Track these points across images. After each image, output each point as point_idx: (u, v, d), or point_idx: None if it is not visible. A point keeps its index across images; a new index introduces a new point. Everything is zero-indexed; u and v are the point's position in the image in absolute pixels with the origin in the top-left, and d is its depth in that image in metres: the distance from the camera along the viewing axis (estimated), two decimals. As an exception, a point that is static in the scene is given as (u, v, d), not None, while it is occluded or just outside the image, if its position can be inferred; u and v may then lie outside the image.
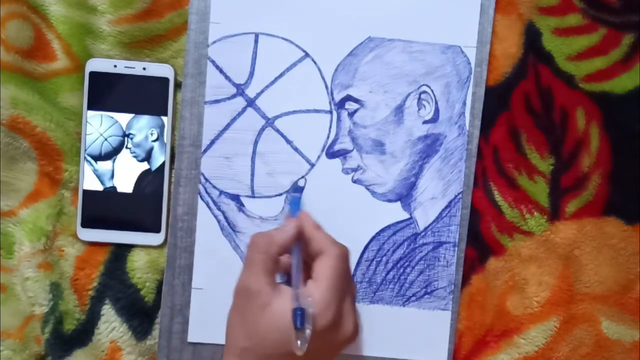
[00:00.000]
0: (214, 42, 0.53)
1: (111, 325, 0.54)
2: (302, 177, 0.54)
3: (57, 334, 0.53)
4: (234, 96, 0.54)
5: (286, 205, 0.54)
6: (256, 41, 0.54)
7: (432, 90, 0.54)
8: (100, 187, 0.54)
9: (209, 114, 0.54)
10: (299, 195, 0.53)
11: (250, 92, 0.54)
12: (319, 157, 0.54)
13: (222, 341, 0.53)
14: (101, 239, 0.54)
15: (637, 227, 0.55)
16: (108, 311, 0.54)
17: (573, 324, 0.54)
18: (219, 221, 0.54)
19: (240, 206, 0.54)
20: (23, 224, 0.53)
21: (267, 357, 0.44)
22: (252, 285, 0.44)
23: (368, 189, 0.54)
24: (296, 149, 0.54)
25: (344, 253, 0.46)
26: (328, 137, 0.54)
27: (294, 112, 0.54)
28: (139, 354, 0.54)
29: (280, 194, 0.54)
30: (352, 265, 0.54)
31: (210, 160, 0.54)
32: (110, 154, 0.54)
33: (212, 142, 0.54)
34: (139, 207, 0.54)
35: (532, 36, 0.54)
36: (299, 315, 0.42)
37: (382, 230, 0.54)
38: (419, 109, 0.54)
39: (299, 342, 0.41)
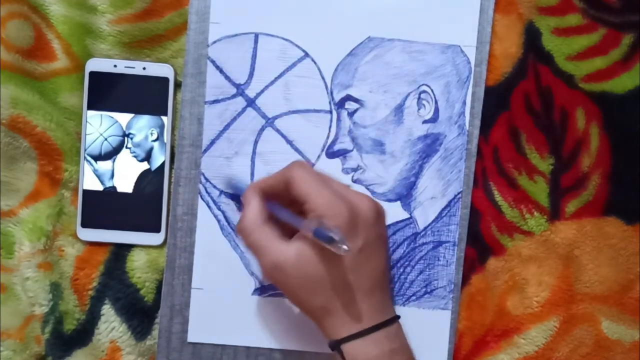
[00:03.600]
0: (214, 42, 0.53)
1: (111, 325, 0.54)
2: (302, 177, 0.54)
3: (57, 334, 0.53)
4: (234, 96, 0.54)
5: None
6: (256, 41, 0.54)
7: (431, 90, 0.54)
8: (100, 187, 0.54)
9: (209, 114, 0.54)
10: (234, 181, 0.54)
11: (250, 92, 0.54)
12: (319, 157, 0.54)
13: (222, 341, 0.54)
14: (101, 238, 0.54)
15: (637, 227, 0.55)
16: (108, 311, 0.54)
17: (573, 324, 0.54)
18: (219, 221, 0.54)
19: (241, 206, 0.54)
20: (23, 224, 0.53)
21: (343, 288, 0.45)
22: (274, 258, 0.45)
23: (368, 189, 0.54)
24: (296, 149, 0.54)
25: (300, 163, 0.49)
26: (328, 137, 0.54)
27: (294, 112, 0.54)
28: (138, 354, 0.54)
29: (280, 194, 0.54)
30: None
31: (210, 160, 0.54)
32: (110, 154, 0.54)
33: (212, 142, 0.54)
34: (139, 207, 0.54)
35: (532, 36, 0.54)
36: (320, 231, 0.43)
37: (382, 230, 0.54)
38: (419, 109, 0.54)
39: (344, 247, 0.42)
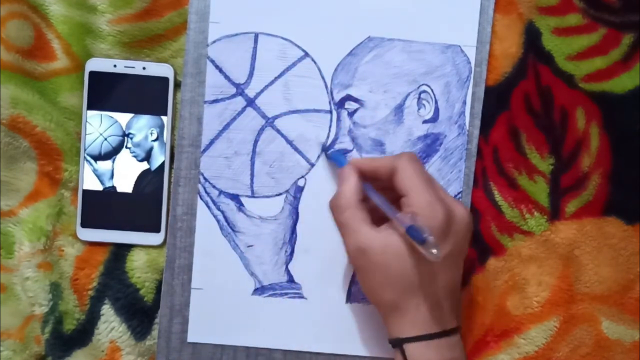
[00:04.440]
0: (214, 41, 0.53)
1: (110, 325, 0.54)
2: (302, 177, 0.54)
3: (57, 334, 0.53)
4: (233, 96, 0.54)
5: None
6: (256, 41, 0.54)
7: (432, 90, 0.54)
8: (100, 187, 0.54)
9: (209, 114, 0.54)
10: (335, 150, 0.53)
11: (250, 91, 0.54)
12: (319, 157, 0.54)
13: (221, 341, 0.54)
14: (101, 238, 0.54)
15: (637, 227, 0.55)
16: (107, 311, 0.54)
17: (573, 324, 0.54)
18: (218, 221, 0.54)
19: (240, 206, 0.54)
20: (23, 224, 0.53)
21: (418, 289, 0.45)
22: (361, 241, 0.46)
23: (368, 189, 0.54)
24: (296, 149, 0.54)
25: (411, 156, 0.47)
26: (328, 136, 0.54)
27: (294, 111, 0.54)
28: (138, 354, 0.54)
29: (280, 194, 0.54)
30: (352, 266, 0.54)
31: (209, 160, 0.54)
32: (110, 154, 0.54)
33: (212, 142, 0.54)
34: (139, 207, 0.54)
35: (532, 36, 0.54)
36: (414, 230, 0.43)
37: (382, 230, 0.54)
38: (419, 109, 0.54)
39: (433, 250, 0.42)
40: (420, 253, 0.43)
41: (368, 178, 0.49)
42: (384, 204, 0.46)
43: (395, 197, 0.47)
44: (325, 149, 0.54)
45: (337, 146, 0.54)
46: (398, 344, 0.46)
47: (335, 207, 0.48)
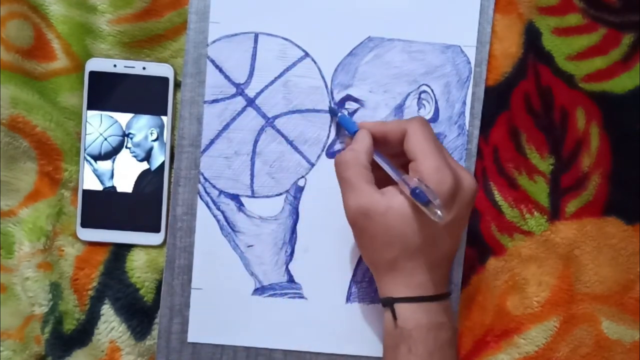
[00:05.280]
0: (214, 41, 0.53)
1: (110, 325, 0.54)
2: (302, 177, 0.54)
3: (57, 334, 0.53)
4: (233, 96, 0.54)
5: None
6: (256, 41, 0.54)
7: (431, 90, 0.54)
8: (100, 187, 0.54)
9: (209, 114, 0.54)
10: (344, 112, 0.53)
11: (250, 91, 0.54)
12: (319, 157, 0.54)
13: (221, 341, 0.54)
14: (101, 238, 0.54)
15: (637, 227, 0.55)
16: (107, 311, 0.54)
17: (573, 324, 0.54)
18: (218, 221, 0.54)
19: (240, 206, 0.54)
20: (23, 224, 0.53)
21: (416, 252, 0.46)
22: (364, 202, 0.46)
23: (368, 189, 0.54)
24: (296, 149, 0.54)
25: (422, 120, 0.47)
26: (328, 136, 0.54)
27: (294, 112, 0.54)
28: (138, 354, 0.54)
29: (280, 194, 0.54)
30: (352, 265, 0.54)
31: (209, 160, 0.54)
32: (110, 154, 0.54)
33: (212, 142, 0.54)
34: (139, 207, 0.54)
35: (532, 36, 0.54)
36: (419, 192, 0.43)
37: (382, 229, 0.54)
38: (419, 109, 0.54)
39: (437, 212, 0.42)
40: (424, 216, 0.43)
41: (378, 142, 0.49)
42: (391, 166, 0.47)
43: (404, 164, 0.47)
44: (334, 112, 0.53)
45: (338, 146, 0.54)
46: (389, 303, 0.46)
47: (342, 162, 0.47)
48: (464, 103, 0.54)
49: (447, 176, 0.44)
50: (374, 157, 0.48)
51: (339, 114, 0.53)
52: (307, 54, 0.54)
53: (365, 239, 0.47)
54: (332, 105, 0.54)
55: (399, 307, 0.46)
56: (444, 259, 0.47)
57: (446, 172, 0.44)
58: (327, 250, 0.54)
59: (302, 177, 0.54)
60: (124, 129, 0.54)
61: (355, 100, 0.54)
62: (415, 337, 0.45)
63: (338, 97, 0.54)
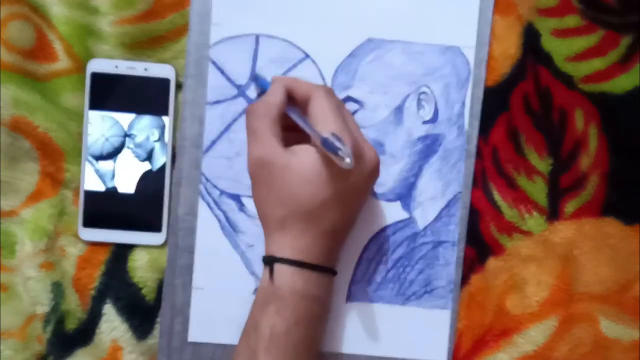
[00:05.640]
0: (215, 43, 0.54)
1: (112, 325, 0.54)
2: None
3: (59, 334, 0.53)
4: (234, 97, 0.54)
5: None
6: (257, 42, 0.54)
7: (431, 91, 0.54)
8: (101, 187, 0.54)
9: (210, 115, 0.54)
10: (261, 78, 0.53)
11: (251, 93, 0.54)
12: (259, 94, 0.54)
13: (222, 340, 0.54)
14: (102, 238, 0.54)
15: (635, 227, 0.55)
16: (109, 310, 0.54)
17: (572, 324, 0.55)
18: (219, 221, 0.54)
19: (241, 206, 0.54)
20: (25, 224, 0.53)
21: (308, 215, 0.45)
22: (266, 153, 0.45)
23: (368, 189, 0.54)
24: (296, 150, 0.54)
25: (329, 89, 0.48)
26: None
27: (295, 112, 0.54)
28: (139, 354, 0.54)
29: (281, 194, 0.54)
30: (352, 265, 0.54)
31: (211, 160, 0.54)
32: (112, 154, 0.54)
33: (213, 143, 0.54)
34: (140, 207, 0.54)
35: (531, 37, 0.55)
36: (331, 140, 0.43)
37: (382, 229, 0.54)
38: (419, 110, 0.54)
39: (346, 160, 0.42)
40: (320, 182, 0.44)
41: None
42: (302, 118, 0.46)
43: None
44: (254, 78, 0.53)
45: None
46: (270, 262, 0.46)
47: (252, 112, 0.47)
48: (464, 104, 0.54)
49: (349, 142, 0.44)
50: (287, 111, 0.48)
51: (260, 80, 0.52)
52: (307, 56, 0.54)
53: (261, 191, 0.47)
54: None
55: (279, 268, 0.46)
56: (335, 230, 0.47)
57: (349, 139, 0.44)
58: (328, 250, 0.54)
59: (303, 177, 0.54)
60: (126, 129, 0.54)
61: (356, 101, 0.54)
62: (287, 300, 0.45)
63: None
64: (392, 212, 0.54)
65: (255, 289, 0.54)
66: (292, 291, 0.45)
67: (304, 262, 0.46)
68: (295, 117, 0.47)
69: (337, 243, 0.49)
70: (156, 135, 0.54)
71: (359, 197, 0.48)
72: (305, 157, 0.45)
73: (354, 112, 0.54)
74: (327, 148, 0.43)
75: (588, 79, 0.55)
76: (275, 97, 0.48)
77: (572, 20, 0.55)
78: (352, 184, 0.46)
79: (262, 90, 0.53)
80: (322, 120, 0.45)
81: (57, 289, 0.53)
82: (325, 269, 0.47)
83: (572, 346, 0.54)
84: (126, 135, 0.54)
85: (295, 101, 0.49)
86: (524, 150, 0.55)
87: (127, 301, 0.54)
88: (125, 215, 0.54)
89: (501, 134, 0.55)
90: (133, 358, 0.54)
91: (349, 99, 0.54)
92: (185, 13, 0.54)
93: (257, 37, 0.54)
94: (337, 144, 0.43)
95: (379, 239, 0.54)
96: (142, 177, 0.54)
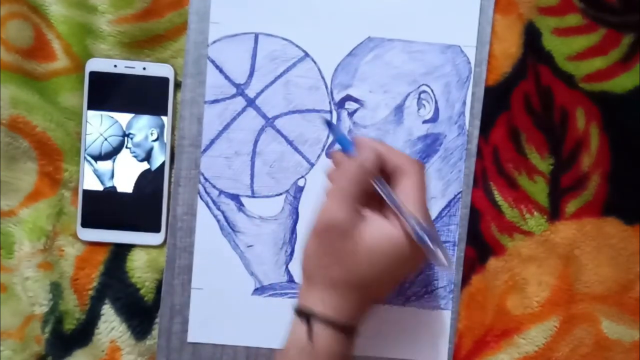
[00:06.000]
0: (214, 42, 0.54)
1: (111, 325, 0.54)
2: (302, 177, 0.54)
3: (57, 334, 0.53)
4: (233, 96, 0.54)
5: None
6: (256, 41, 0.54)
7: (431, 90, 0.54)
8: (100, 187, 0.54)
9: (209, 114, 0.54)
10: (340, 133, 0.51)
11: (250, 92, 0.54)
12: (318, 157, 0.54)
13: (221, 341, 0.54)
14: (101, 238, 0.54)
15: (636, 227, 0.55)
16: (108, 311, 0.54)
17: (573, 324, 0.54)
18: (218, 221, 0.54)
19: (240, 206, 0.54)
20: (23, 224, 0.53)
21: (362, 284, 0.45)
22: (343, 217, 0.44)
23: (368, 189, 0.54)
24: (296, 149, 0.54)
25: (423, 166, 0.46)
26: (328, 137, 0.54)
27: (294, 112, 0.54)
28: (138, 354, 0.54)
29: (280, 194, 0.54)
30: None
31: (210, 160, 0.54)
32: (110, 154, 0.54)
33: (212, 142, 0.54)
34: (139, 207, 0.54)
35: (531, 36, 0.54)
36: (428, 235, 0.43)
37: (382, 230, 0.54)
38: (419, 109, 0.54)
39: (443, 261, 0.43)
40: (384, 258, 0.43)
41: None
42: (391, 196, 0.45)
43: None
44: (332, 127, 0.52)
45: (338, 146, 0.54)
46: (306, 315, 0.45)
47: (346, 171, 0.45)
48: (464, 103, 0.54)
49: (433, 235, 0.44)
50: (375, 181, 0.45)
51: (339, 135, 0.49)
52: (307, 54, 0.54)
53: (319, 247, 0.45)
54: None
55: (318, 326, 0.44)
56: (377, 299, 0.47)
57: (430, 227, 0.44)
58: (327, 250, 0.54)
59: (302, 177, 0.54)
60: (124, 129, 0.54)
61: (355, 100, 0.54)
62: None
63: (338, 97, 0.54)
64: (392, 212, 0.54)
65: (255, 289, 0.54)
66: (330, 353, 0.44)
67: (347, 326, 0.45)
68: (385, 192, 0.45)
69: (371, 306, 0.48)
70: (155, 135, 0.54)
71: (409, 274, 0.49)
72: (377, 230, 0.44)
73: (354, 112, 0.54)
74: (422, 243, 0.43)
75: (589, 78, 0.55)
76: (369, 164, 0.45)
77: (573, 19, 0.54)
78: (410, 268, 0.46)
79: (340, 141, 0.48)
80: (412, 204, 0.44)
81: (56, 289, 0.53)
82: (353, 330, 0.46)
83: (573, 347, 0.54)
84: (125, 134, 0.54)
85: (381, 169, 0.46)
86: (525, 149, 0.55)
87: (126, 301, 0.54)
88: (123, 215, 0.54)
89: (502, 133, 0.55)
90: (132, 358, 0.54)
91: (348, 98, 0.54)
92: (184, 12, 0.54)
93: (256, 36, 0.54)
94: (432, 245, 0.43)
95: (379, 239, 0.54)
96: (141, 176, 0.54)
